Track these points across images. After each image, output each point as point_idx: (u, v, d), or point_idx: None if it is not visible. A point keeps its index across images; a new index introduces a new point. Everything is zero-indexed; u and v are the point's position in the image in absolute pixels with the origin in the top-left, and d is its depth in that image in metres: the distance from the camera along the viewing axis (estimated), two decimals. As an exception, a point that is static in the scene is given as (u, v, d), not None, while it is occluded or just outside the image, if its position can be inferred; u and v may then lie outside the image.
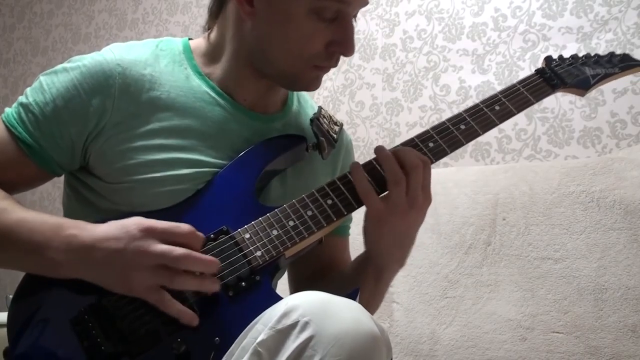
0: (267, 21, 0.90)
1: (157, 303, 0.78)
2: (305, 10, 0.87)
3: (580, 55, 1.11)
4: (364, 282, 0.97)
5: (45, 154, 0.89)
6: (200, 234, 0.82)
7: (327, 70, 0.96)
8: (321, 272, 1.08)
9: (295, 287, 1.11)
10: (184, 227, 0.80)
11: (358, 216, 1.17)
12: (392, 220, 0.88)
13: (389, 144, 2.16)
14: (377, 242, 0.92)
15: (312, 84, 0.97)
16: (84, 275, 0.80)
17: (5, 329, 0.82)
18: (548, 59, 1.07)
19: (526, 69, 1.95)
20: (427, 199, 0.89)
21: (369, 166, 0.92)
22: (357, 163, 0.90)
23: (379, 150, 0.90)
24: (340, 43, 0.91)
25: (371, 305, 1.00)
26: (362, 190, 0.88)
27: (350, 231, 1.15)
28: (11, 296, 0.86)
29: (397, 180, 0.86)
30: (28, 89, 0.92)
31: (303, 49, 0.91)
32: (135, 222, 0.80)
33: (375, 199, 0.87)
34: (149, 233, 0.78)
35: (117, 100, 0.89)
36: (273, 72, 0.95)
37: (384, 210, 0.87)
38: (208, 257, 0.80)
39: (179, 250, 0.77)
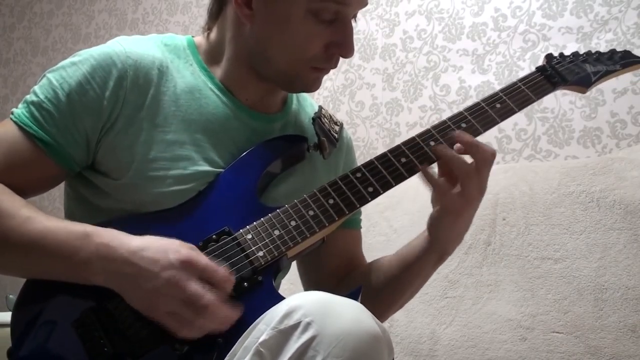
0: (266, 23, 0.90)
1: (174, 330, 0.77)
2: (303, 12, 0.87)
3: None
4: (422, 268, 1.00)
5: (63, 151, 0.88)
6: (233, 279, 0.81)
7: (326, 71, 0.96)
8: (344, 268, 1.08)
9: (314, 287, 1.10)
10: (222, 271, 0.79)
11: (367, 212, 1.17)
12: (465, 211, 0.91)
13: (389, 144, 2.16)
14: (448, 231, 0.94)
15: (312, 86, 0.98)
16: (112, 285, 0.80)
17: (6, 329, 0.82)
18: (549, 57, 1.07)
19: (526, 69, 1.95)
20: (487, 184, 0.92)
21: (370, 165, 0.92)
22: (424, 167, 0.91)
23: (442, 151, 0.90)
24: (340, 44, 0.91)
25: (420, 287, 1.05)
26: (438, 188, 0.90)
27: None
28: (11, 296, 0.86)
29: (469, 175, 0.88)
30: (36, 87, 0.90)
31: (302, 51, 0.91)
32: (177, 250, 0.78)
33: (452, 195, 0.89)
34: (188, 267, 0.77)
35: (129, 92, 0.89)
36: (272, 73, 0.95)
37: (461, 205, 0.89)
38: (233, 311, 0.78)
39: (209, 298, 0.76)
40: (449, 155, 0.89)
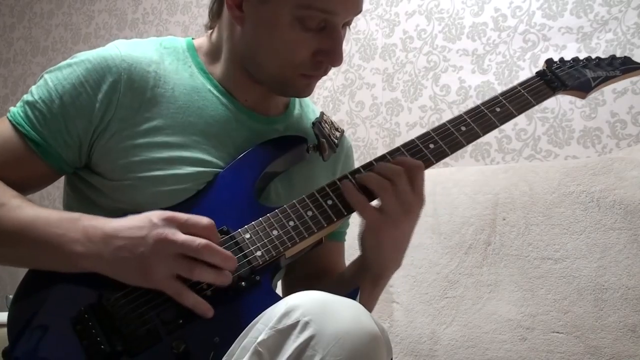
0: (255, 27, 0.90)
1: (174, 294, 0.78)
2: (289, 19, 0.87)
3: (581, 56, 1.12)
4: (361, 287, 0.96)
5: (53, 152, 0.89)
6: (218, 235, 0.82)
7: (317, 78, 0.96)
8: (316, 276, 1.07)
9: (288, 290, 1.10)
10: (205, 220, 0.81)
11: (356, 219, 1.16)
12: (388, 228, 0.87)
13: (389, 144, 2.16)
14: (375, 250, 0.92)
15: (304, 91, 0.97)
16: (100, 267, 0.80)
17: (5, 329, 0.82)
18: (549, 62, 1.07)
19: (526, 69, 1.95)
20: (420, 201, 0.89)
21: (368, 167, 0.92)
22: (347, 181, 0.89)
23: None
24: (327, 53, 0.90)
25: (368, 307, 1.00)
26: (355, 202, 0.87)
27: (346, 237, 1.15)
28: (11, 296, 0.86)
29: (384, 187, 0.86)
30: (33, 87, 0.91)
31: (289, 57, 0.90)
32: (158, 212, 0.80)
33: (370, 209, 0.86)
34: (171, 222, 0.79)
35: (122, 96, 0.89)
36: (264, 77, 0.95)
37: (379, 219, 0.86)
38: (227, 251, 0.80)
39: (200, 241, 0.78)
40: (364, 175, 0.88)
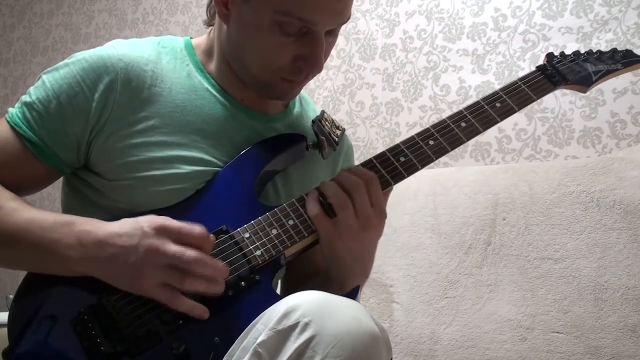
0: (239, 27, 0.90)
1: (166, 301, 0.78)
2: (269, 23, 0.86)
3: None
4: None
5: (51, 152, 0.89)
6: (212, 237, 0.81)
7: (299, 83, 0.94)
8: (304, 280, 1.06)
9: (285, 290, 1.10)
10: (197, 229, 0.79)
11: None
12: (345, 242, 0.86)
13: (389, 144, 2.16)
14: (333, 261, 0.90)
15: (286, 95, 0.96)
16: (94, 272, 0.80)
17: (5, 329, 0.82)
18: (549, 56, 1.07)
19: (526, 69, 1.95)
20: (380, 215, 0.87)
21: (368, 164, 0.92)
22: (314, 190, 0.88)
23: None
24: (306, 59, 0.89)
25: None
26: (311, 214, 0.86)
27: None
28: (11, 296, 0.86)
29: (342, 204, 0.85)
30: (31, 88, 0.91)
31: (269, 61, 0.89)
32: (149, 220, 0.79)
33: (323, 222, 0.85)
34: (162, 232, 0.78)
35: (119, 95, 0.89)
36: (247, 78, 0.94)
37: (335, 233, 0.85)
38: (219, 262, 0.79)
39: (191, 253, 0.77)
40: (326, 184, 0.87)
